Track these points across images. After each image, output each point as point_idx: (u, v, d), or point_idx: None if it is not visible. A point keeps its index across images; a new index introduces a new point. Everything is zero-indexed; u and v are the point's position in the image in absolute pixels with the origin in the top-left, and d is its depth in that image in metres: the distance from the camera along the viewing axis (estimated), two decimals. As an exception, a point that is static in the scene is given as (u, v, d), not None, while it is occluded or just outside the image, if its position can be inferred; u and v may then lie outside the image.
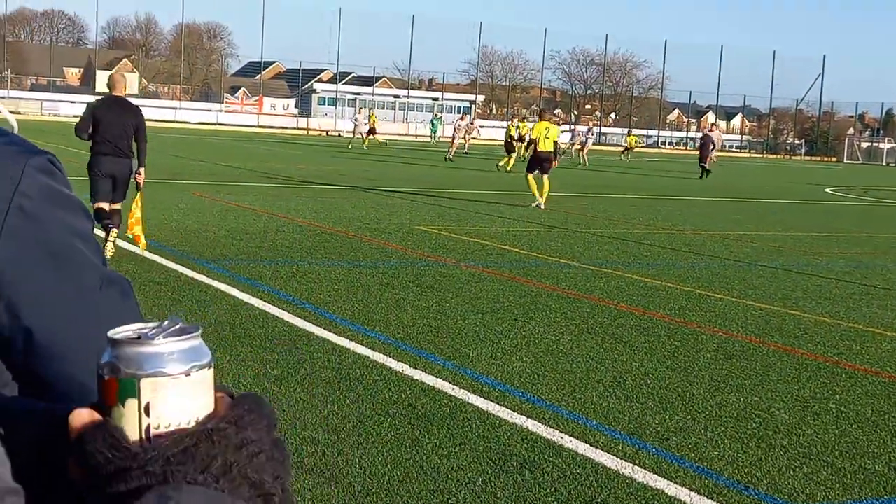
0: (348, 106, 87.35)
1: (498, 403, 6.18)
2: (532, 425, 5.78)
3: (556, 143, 21.31)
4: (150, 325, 0.77)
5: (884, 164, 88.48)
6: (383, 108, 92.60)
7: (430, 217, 17.45)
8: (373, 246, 13.12)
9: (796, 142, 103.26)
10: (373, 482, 4.78)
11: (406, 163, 38.56)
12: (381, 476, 4.86)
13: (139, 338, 0.74)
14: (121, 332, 0.75)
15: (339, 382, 6.43)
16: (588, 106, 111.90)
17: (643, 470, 5.16)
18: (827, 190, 36.84)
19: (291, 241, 13.01)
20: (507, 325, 8.54)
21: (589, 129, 57.76)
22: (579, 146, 48.84)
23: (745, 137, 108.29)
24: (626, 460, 5.29)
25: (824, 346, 8.50)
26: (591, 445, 5.49)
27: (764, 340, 8.55)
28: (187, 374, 0.74)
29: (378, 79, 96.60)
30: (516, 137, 38.97)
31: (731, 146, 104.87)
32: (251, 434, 0.75)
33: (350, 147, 48.87)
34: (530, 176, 21.05)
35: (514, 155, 36.36)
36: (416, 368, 6.89)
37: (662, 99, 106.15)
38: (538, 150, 21.15)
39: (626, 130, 72.49)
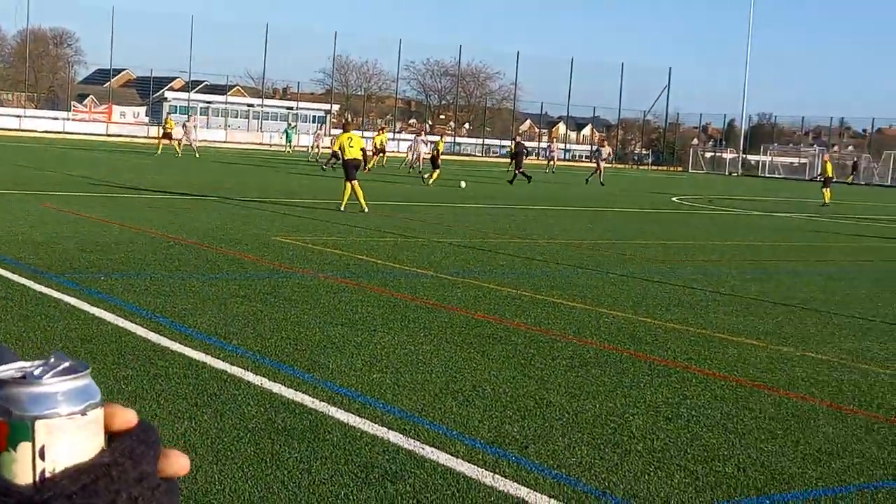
0: (200, 114, 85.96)
1: (358, 415, 6.16)
2: (393, 437, 5.79)
3: (363, 150, 22.65)
4: (34, 363, 0.74)
5: (726, 173, 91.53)
6: (237, 116, 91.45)
7: (287, 227, 17.30)
8: (228, 257, 12.94)
9: (644, 152, 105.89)
10: (233, 499, 4.71)
11: (261, 172, 38.14)
12: (242, 492, 4.79)
13: (25, 377, 0.72)
14: (3, 371, 0.73)
15: (196, 398, 6.32)
16: (442, 116, 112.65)
17: (503, 478, 5.22)
18: (674, 199, 37.91)
19: (144, 253, 12.72)
20: (366, 335, 8.53)
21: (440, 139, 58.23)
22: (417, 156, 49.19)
23: (593, 147, 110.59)
24: (486, 469, 5.34)
25: (674, 352, 8.74)
26: (451, 455, 5.53)
27: (617, 347, 8.75)
28: (83, 414, 0.72)
29: (231, 87, 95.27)
30: (378, 147, 39.40)
31: (580, 156, 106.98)
32: (146, 467, 0.73)
33: (179, 155, 48.06)
34: (352, 184, 21.93)
35: (438, 170, 36.72)
36: (275, 382, 6.82)
37: (515, 110, 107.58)
38: (345, 158, 22.20)
39: (480, 140, 73.22)
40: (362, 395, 6.63)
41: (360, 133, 36.78)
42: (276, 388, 6.69)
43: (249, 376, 6.93)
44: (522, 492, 5.06)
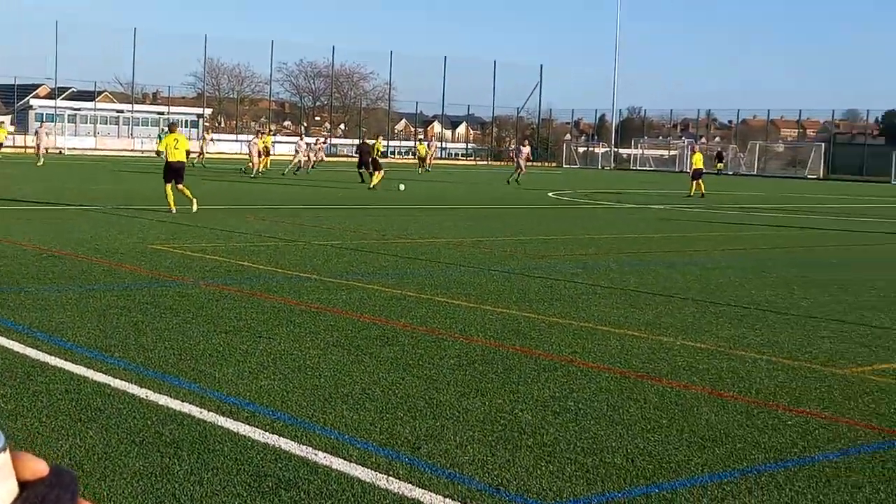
0: (68, 122, 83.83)
1: (248, 424, 6.10)
2: (285, 444, 5.74)
3: (188, 152, 23.62)
4: None
5: (599, 167, 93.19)
6: (106, 123, 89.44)
7: (164, 235, 17.00)
8: (105, 268, 12.66)
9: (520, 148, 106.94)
10: (124, 515, 4.62)
11: (134, 179, 37.39)
12: (133, 508, 4.70)
13: None
14: None
15: (79, 413, 6.18)
16: (318, 118, 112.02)
17: (398, 480, 5.23)
18: (550, 194, 38.42)
19: (16, 266, 12.36)
20: (251, 343, 8.44)
21: (316, 141, 58.00)
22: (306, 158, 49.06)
23: (470, 145, 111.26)
24: (380, 472, 5.34)
25: (559, 346, 8.86)
26: (344, 460, 5.51)
27: (503, 344, 8.83)
28: None
29: (100, 93, 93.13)
30: (264, 150, 39.36)
31: (457, 154, 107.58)
32: None
33: (39, 164, 46.90)
34: (168, 187, 22.16)
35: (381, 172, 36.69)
36: (160, 393, 6.70)
37: (390, 109, 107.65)
38: (169, 160, 22.44)
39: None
40: (251, 404, 6.56)
41: (185, 133, 36.40)
42: (163, 399, 6.57)
43: (134, 389, 6.80)
44: (417, 492, 5.08)
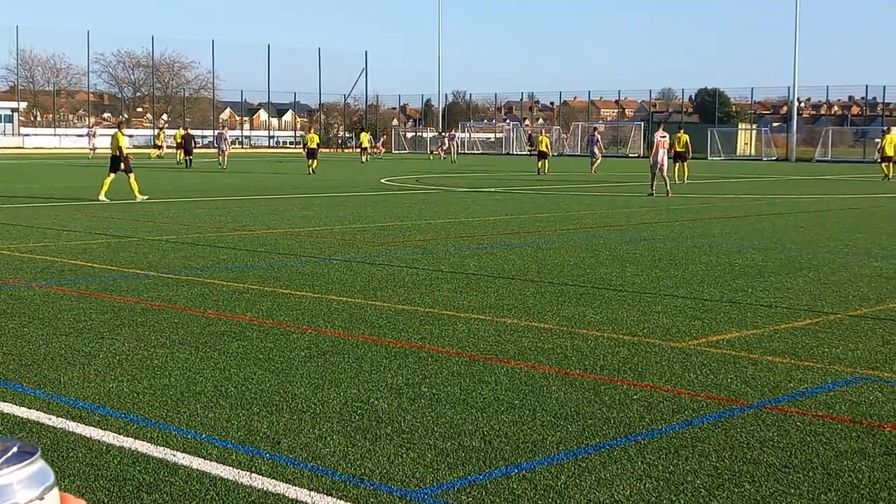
0: None
1: (101, 428, 5.97)
2: (141, 446, 5.65)
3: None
4: None
5: (428, 152, 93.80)
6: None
7: (-12, 236, 16.35)
8: (-72, 273, 12.11)
9: (347, 135, 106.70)
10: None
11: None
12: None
13: None
14: None
15: (-81, 427, 5.93)
16: (140, 108, 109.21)
17: (260, 476, 5.22)
18: (382, 181, 38.50)
19: None
20: (94, 344, 8.23)
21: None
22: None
23: (298, 133, 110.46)
24: (241, 469, 5.32)
25: (407, 332, 8.95)
26: (204, 459, 5.46)
27: (352, 333, 8.86)
28: (40, 499, 0.71)
29: None
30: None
31: (284, 142, 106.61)
32: None
33: None
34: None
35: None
36: (4, 401, 6.49)
37: (214, 98, 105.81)
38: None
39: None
40: (101, 407, 6.42)
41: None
42: (7, 407, 6.37)
43: (-25, 398, 6.56)
44: (281, 487, 5.07)
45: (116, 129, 26.92)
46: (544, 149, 47.05)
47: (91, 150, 63.29)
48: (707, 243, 16.69)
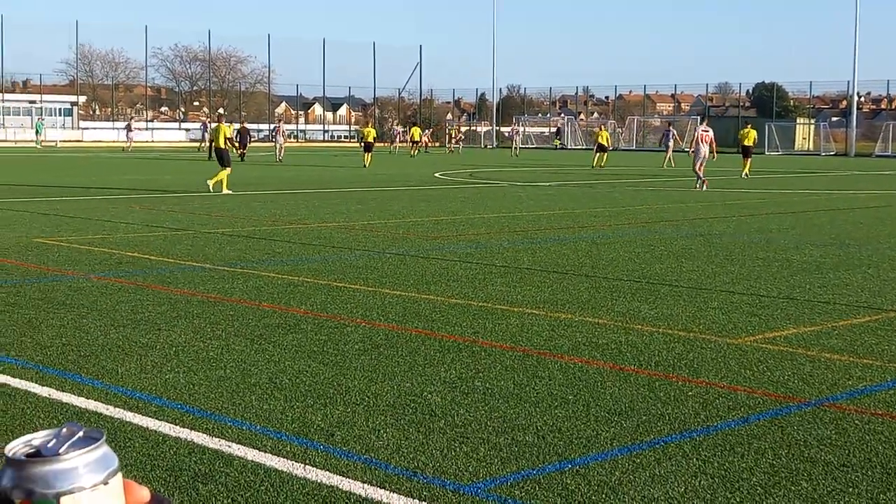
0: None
1: (157, 419, 6.04)
2: (197, 437, 5.70)
3: None
4: (44, 434, 0.73)
5: (482, 146, 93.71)
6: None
7: (48, 228, 16.60)
8: (-10, 264, 12.31)
9: (402, 129, 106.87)
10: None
11: (9, 170, 36.34)
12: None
13: (40, 453, 0.71)
14: (16, 448, 0.71)
15: (-19, 416, 6.03)
16: (196, 102, 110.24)
17: (314, 468, 5.24)
18: (437, 175, 38.54)
19: None
20: (151, 336, 8.33)
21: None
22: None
23: (352, 127, 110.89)
24: (296, 461, 5.35)
25: (461, 326, 8.94)
26: (259, 450, 5.50)
27: (405, 327, 8.88)
28: (105, 483, 0.72)
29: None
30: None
31: (339, 136, 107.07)
32: None
33: None
34: None
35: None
36: (63, 391, 6.58)
37: (270, 93, 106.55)
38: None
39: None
40: (158, 398, 6.49)
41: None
42: (66, 397, 6.46)
43: (35, 388, 6.66)
44: (335, 480, 5.10)
45: (217, 123, 27.53)
46: (603, 142, 47.34)
47: (128, 143, 63.99)
48: (764, 239, 16.51)
